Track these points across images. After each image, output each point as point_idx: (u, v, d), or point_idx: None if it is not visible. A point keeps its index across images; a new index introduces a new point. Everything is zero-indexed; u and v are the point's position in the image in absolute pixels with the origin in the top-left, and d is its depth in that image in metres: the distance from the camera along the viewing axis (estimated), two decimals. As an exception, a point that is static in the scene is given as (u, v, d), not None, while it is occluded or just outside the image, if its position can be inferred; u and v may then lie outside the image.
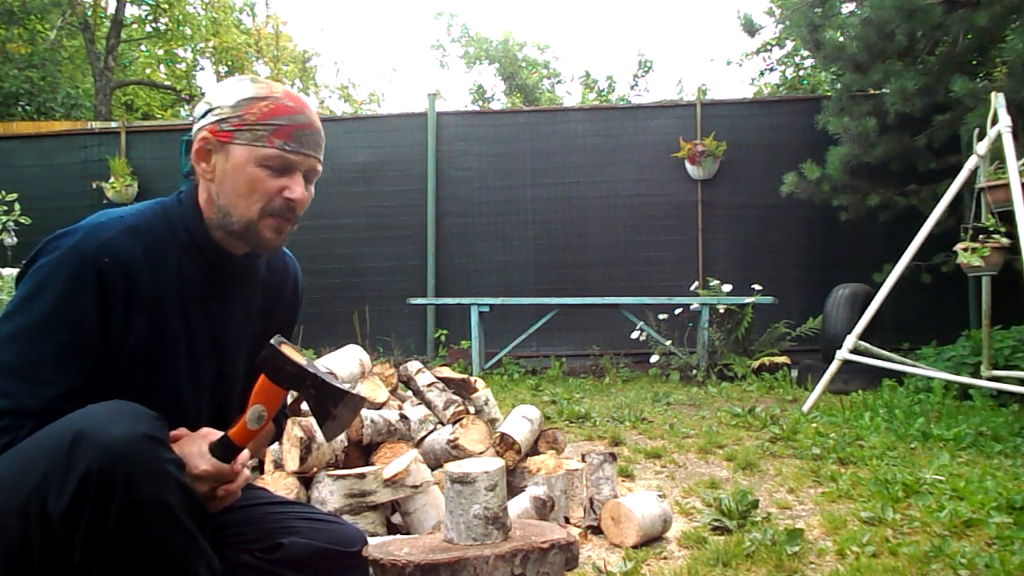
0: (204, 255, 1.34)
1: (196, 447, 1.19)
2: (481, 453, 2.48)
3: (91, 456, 1.03)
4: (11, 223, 6.24)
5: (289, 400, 2.08)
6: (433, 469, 2.41)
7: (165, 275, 1.29)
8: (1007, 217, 4.06)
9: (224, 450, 1.20)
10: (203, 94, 1.33)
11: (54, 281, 1.20)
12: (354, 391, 1.30)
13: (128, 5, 14.21)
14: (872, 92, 6.40)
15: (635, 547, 2.28)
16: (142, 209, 1.33)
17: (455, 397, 2.81)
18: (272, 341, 1.22)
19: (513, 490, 2.44)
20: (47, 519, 1.05)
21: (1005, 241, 4.14)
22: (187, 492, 1.11)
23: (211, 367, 1.36)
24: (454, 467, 1.42)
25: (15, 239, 6.49)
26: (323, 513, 1.53)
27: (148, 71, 17.38)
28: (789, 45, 13.01)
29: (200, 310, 1.34)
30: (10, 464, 1.11)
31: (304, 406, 2.24)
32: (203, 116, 1.31)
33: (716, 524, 2.44)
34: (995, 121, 4.09)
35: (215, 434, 1.22)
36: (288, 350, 1.23)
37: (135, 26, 15.96)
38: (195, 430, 1.25)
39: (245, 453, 1.24)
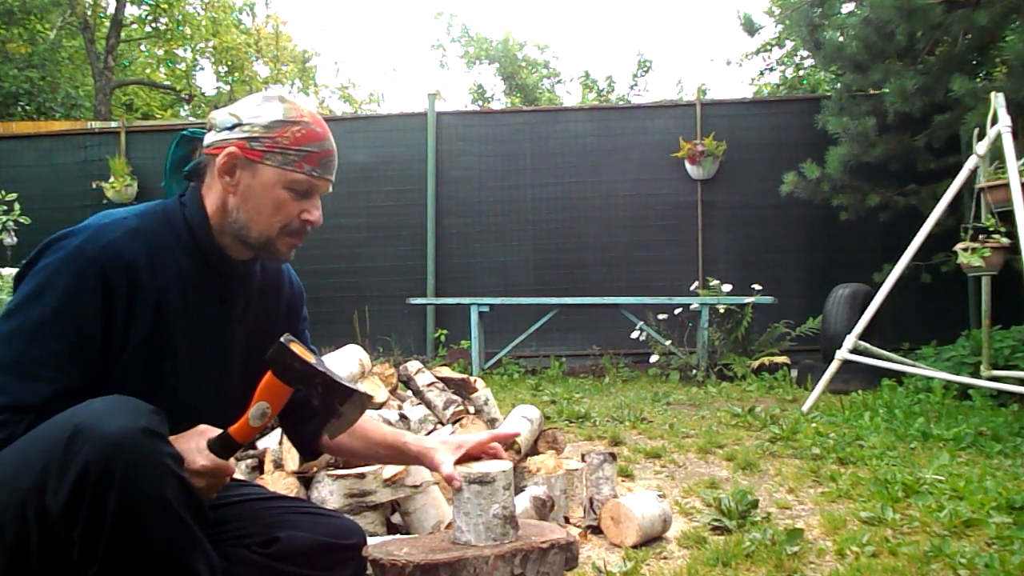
0: (205, 257, 1.35)
1: (194, 443, 1.19)
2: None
3: (89, 450, 1.02)
4: (11, 223, 6.23)
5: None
6: (433, 469, 2.41)
7: (167, 276, 1.29)
8: (1007, 217, 4.06)
9: (223, 446, 1.20)
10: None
11: (57, 282, 1.20)
12: (361, 389, 1.31)
13: (128, 5, 14.21)
14: (872, 92, 6.40)
15: (635, 547, 2.28)
16: (143, 210, 1.34)
17: (455, 397, 2.81)
18: (281, 339, 1.23)
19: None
20: (46, 515, 1.05)
21: (1005, 241, 4.14)
22: (186, 487, 1.10)
23: (211, 366, 1.37)
24: (465, 469, 1.42)
25: (15, 239, 6.49)
26: (320, 507, 1.53)
27: (148, 71, 17.38)
28: (789, 45, 13.02)
29: (200, 310, 1.34)
30: (7, 460, 1.10)
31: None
32: (229, 129, 1.31)
33: (716, 524, 2.44)
34: (995, 121, 4.09)
35: (212, 431, 1.22)
36: (297, 348, 1.23)
37: (135, 26, 15.95)
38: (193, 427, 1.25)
39: None
